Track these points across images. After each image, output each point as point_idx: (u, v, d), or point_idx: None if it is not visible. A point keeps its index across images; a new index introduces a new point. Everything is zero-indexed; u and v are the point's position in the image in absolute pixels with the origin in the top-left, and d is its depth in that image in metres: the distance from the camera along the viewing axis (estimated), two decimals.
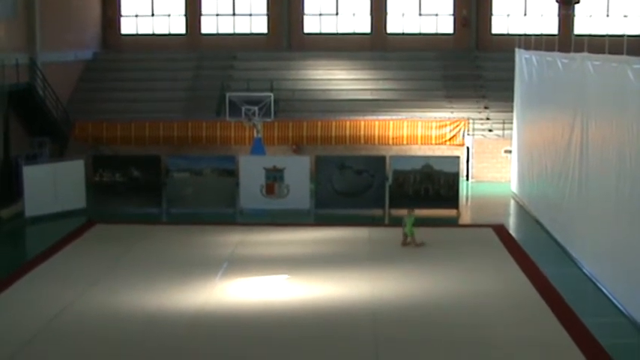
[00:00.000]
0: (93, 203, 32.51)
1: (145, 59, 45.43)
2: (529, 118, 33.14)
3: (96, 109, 41.01)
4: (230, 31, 46.65)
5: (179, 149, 38.49)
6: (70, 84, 42.36)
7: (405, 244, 26.37)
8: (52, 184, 31.52)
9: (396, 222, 30.56)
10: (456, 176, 31.93)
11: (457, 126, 39.10)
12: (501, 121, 38.84)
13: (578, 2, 41.07)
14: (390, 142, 39.06)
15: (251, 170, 32.39)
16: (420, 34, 46.11)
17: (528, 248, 26.40)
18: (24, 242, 29.75)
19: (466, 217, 32.06)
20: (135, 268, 24.32)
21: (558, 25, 44.12)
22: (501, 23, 45.74)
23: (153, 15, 46.85)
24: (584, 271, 23.67)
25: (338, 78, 43.53)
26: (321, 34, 46.46)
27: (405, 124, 39.21)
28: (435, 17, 46.05)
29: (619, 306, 20.59)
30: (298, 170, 32.21)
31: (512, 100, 36.41)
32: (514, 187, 35.27)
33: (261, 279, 23.05)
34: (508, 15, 45.64)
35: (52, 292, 21.91)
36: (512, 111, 36.52)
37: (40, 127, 36.86)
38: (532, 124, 32.49)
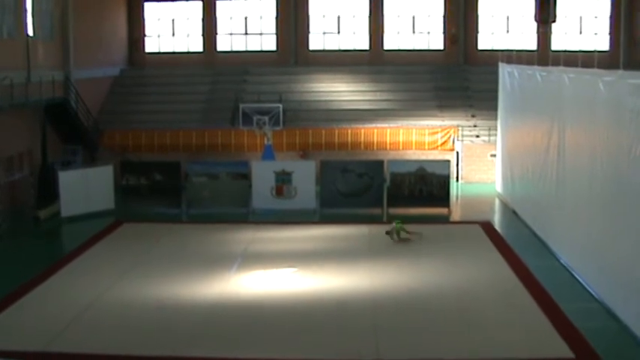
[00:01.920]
0: (120, 204, 32.61)
1: (166, 75, 45.54)
2: (512, 125, 33.16)
3: (122, 120, 41.12)
4: (243, 48, 46.73)
5: (197, 155, 38.55)
6: (99, 97, 42.48)
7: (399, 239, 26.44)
8: (85, 188, 31.61)
9: (394, 219, 30.67)
10: (447, 178, 31.97)
11: (447, 133, 39.12)
12: (487, 128, 38.84)
13: (554, 21, 41.09)
14: (388, 147, 39.07)
15: (262, 174, 32.47)
16: (413, 50, 46.12)
17: (512, 243, 26.43)
18: (60, 240, 29.83)
19: (456, 215, 32.08)
20: (157, 263, 24.42)
21: (537, 42, 44.08)
22: (486, 40, 45.73)
23: (173, 35, 46.95)
24: (562, 262, 23.72)
25: (340, 90, 43.57)
26: (324, 50, 46.51)
27: (401, 131, 39.24)
28: (427, 35, 46.06)
29: (592, 292, 20.67)
30: (305, 174, 32.27)
31: (496, 109, 36.39)
32: (499, 187, 35.28)
33: (271, 272, 23.13)
34: (492, 33, 45.65)
35: (85, 285, 22.03)
36: (496, 119, 36.51)
37: (74, 137, 36.97)
38: (514, 130, 32.51)
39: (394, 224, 26.82)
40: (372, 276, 22.56)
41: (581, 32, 44.46)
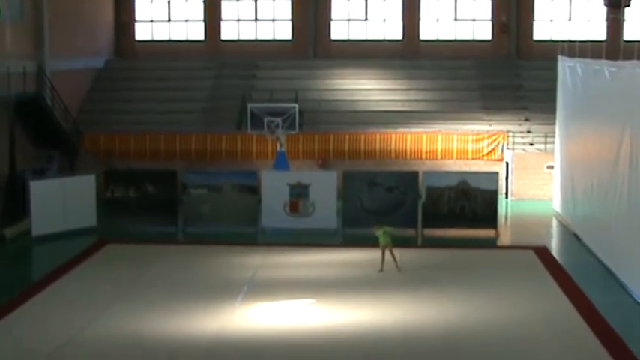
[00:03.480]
0: (104, 221, 32.65)
1: (160, 67, 45.69)
2: (573, 131, 32.99)
3: (108, 121, 41.26)
4: (252, 37, 46.86)
5: (197, 164, 38.61)
6: (80, 93, 42.67)
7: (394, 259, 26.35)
8: (61, 201, 31.69)
9: (431, 242, 30.59)
10: (494, 194, 31.83)
11: (495, 139, 39.00)
12: (543, 134, 38.69)
13: (628, 5, 40.73)
14: (424, 156, 39.02)
15: (274, 187, 32.45)
16: (455, 40, 46.10)
17: (573, 272, 26.25)
18: (30, 263, 29.87)
19: (505, 238, 31.93)
20: (148, 292, 24.35)
21: (606, 31, 43.96)
22: (543, 29, 45.63)
23: (169, 20, 47.16)
24: (634, 297, 23.48)
25: (367, 88, 43.56)
26: (349, 40, 46.54)
27: (440, 137, 39.17)
28: (471, 23, 46.02)
29: None
30: (324, 187, 32.21)
31: (554, 112, 36.28)
32: (557, 205, 35.09)
33: (284, 304, 23.03)
34: (551, 20, 45.54)
35: (60, 318, 21.98)
36: (554, 123, 36.38)
37: (48, 140, 37.09)
38: (577, 137, 32.34)
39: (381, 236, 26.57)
40: (403, 310, 22.43)
41: None
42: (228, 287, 24.60)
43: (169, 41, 47.25)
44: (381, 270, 26.08)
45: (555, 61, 36.18)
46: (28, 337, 20.63)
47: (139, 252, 29.23)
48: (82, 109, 42.29)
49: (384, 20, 46.32)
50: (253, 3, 46.60)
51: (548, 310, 22.63)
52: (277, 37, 46.78)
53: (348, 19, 46.52)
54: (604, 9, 43.10)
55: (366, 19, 46.42)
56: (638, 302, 23.10)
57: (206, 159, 39.39)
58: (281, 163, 37.52)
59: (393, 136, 39.35)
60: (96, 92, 43.96)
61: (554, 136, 36.70)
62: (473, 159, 38.95)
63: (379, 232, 26.37)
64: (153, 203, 32.63)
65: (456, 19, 46.07)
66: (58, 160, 37.40)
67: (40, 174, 34.73)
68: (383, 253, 26.24)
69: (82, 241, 30.42)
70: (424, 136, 39.23)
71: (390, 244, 26.26)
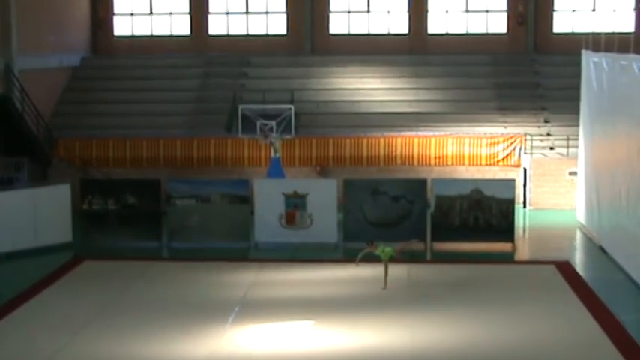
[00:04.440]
0: (80, 236, 32.61)
1: (142, 65, 45.71)
2: (599, 134, 32.97)
3: (84, 125, 41.24)
4: (243, 32, 46.88)
5: (182, 172, 38.60)
6: (53, 95, 42.66)
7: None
8: (32, 214, 31.63)
9: (441, 257, 30.56)
10: (510, 203, 31.81)
11: (512, 143, 39.01)
12: (565, 137, 38.69)
13: None
14: (432, 162, 39.04)
15: (268, 196, 32.42)
16: (467, 34, 46.15)
17: (599, 289, 26.19)
18: None
19: (523, 252, 31.93)
20: (129, 313, 24.29)
21: (635, 22, 43.99)
22: (565, 20, 45.68)
23: (151, 13, 47.22)
24: None
25: (370, 87, 43.57)
26: (349, 35, 46.59)
27: (450, 141, 39.18)
28: (485, 14, 46.09)
29: None
30: (323, 196, 32.20)
31: (577, 112, 36.28)
32: (581, 216, 35.06)
33: (279, 326, 22.98)
34: (573, 11, 45.60)
35: (31, 342, 21.89)
36: (577, 125, 36.38)
37: (18, 146, 37.02)
38: (602, 140, 32.31)
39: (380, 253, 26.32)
40: (411, 333, 22.38)
41: None
42: (218, 308, 24.52)
43: (151, 36, 47.27)
44: (385, 287, 26.01)
45: (578, 56, 36.18)
46: None
47: (118, 270, 29.14)
48: (56, 112, 42.28)
49: (388, 12, 46.38)
50: None
51: (571, 332, 22.56)
52: (270, 32, 46.81)
53: (349, 12, 46.59)
54: None
55: (369, 12, 46.48)
56: None
57: (193, 166, 39.38)
58: (275, 170, 37.51)
59: (399, 140, 39.35)
60: (71, 93, 43.94)
61: (577, 139, 36.69)
62: (487, 165, 38.94)
63: (379, 250, 26.09)
64: (134, 216, 32.58)
65: (467, 11, 46.14)
66: (29, 168, 37.24)
67: (8, 184, 34.58)
68: (386, 268, 26.12)
69: (56, 258, 30.35)
70: (433, 140, 39.23)
71: (392, 257, 26.13)
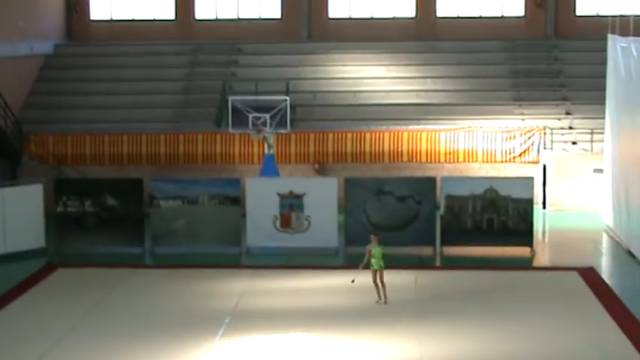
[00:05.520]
0: (54, 241, 32.65)
1: (121, 53, 45.76)
2: (627, 127, 33.00)
3: (58, 119, 41.30)
4: (233, 16, 46.95)
5: (167, 170, 38.65)
6: (23, 85, 42.72)
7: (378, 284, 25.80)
8: (0, 217, 31.66)
9: (452, 263, 30.63)
10: (528, 203, 31.87)
11: (530, 137, 39.06)
12: (589, 130, 38.77)
13: None
14: (442, 159, 39.09)
15: (261, 197, 32.50)
16: (480, 17, 46.19)
17: (627, 299, 26.24)
18: None
19: (543, 258, 32.00)
20: (108, 325, 24.30)
21: None
22: (589, 2, 45.73)
23: None
24: None
25: (373, 76, 43.64)
26: (351, 19, 46.66)
27: (462, 135, 39.23)
28: None
29: None
30: (322, 196, 32.27)
31: (603, 103, 36.36)
32: (607, 217, 35.12)
33: (273, 338, 23.03)
34: None
35: (1, 356, 21.96)
36: (603, 117, 36.45)
37: None
38: (631, 134, 32.36)
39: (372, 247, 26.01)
40: (420, 344, 22.45)
41: None
42: (207, 319, 24.57)
43: (132, 21, 47.35)
44: (379, 300, 25.83)
45: (604, 40, 36.25)
46: None
47: (96, 278, 29.19)
48: (26, 105, 42.34)
49: None
50: None
51: (596, 345, 22.54)
52: (263, 16, 46.89)
53: None
54: None
55: None
56: None
57: (179, 164, 39.44)
58: (269, 168, 37.57)
59: (405, 135, 39.41)
60: (42, 84, 44.00)
61: (602, 133, 36.79)
62: (502, 161, 39.00)
63: (376, 249, 25.63)
64: (114, 219, 32.63)
65: None
66: None
67: None
68: (375, 280, 25.74)
69: (28, 266, 30.42)
70: (443, 135, 39.30)
71: (383, 268, 25.65)
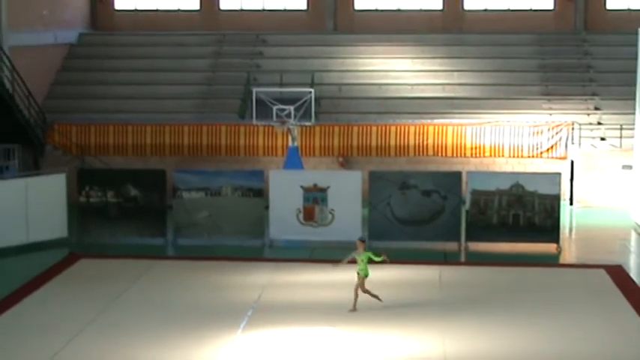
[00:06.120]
0: (76, 231, 32.82)
1: (146, 43, 45.86)
2: None
3: (81, 108, 41.43)
4: (258, 6, 46.96)
5: (190, 162, 38.72)
6: (47, 75, 42.86)
7: (365, 291, 24.76)
8: (23, 206, 31.77)
9: (477, 259, 30.57)
10: (555, 200, 31.77)
11: (558, 133, 38.96)
12: (618, 126, 38.63)
13: None
14: (468, 153, 39.04)
15: (284, 189, 32.54)
16: (508, 10, 46.07)
17: None
18: None
19: (570, 255, 31.91)
20: (129, 317, 24.37)
21: None
22: None
23: None
24: None
25: (399, 69, 43.61)
26: (377, 10, 46.63)
27: (488, 130, 39.14)
28: None
29: None
30: (346, 190, 32.28)
31: (633, 99, 36.19)
32: (636, 215, 34.99)
33: (296, 332, 23.05)
34: None
35: (21, 348, 21.99)
36: (633, 113, 36.30)
37: (8, 132, 37.23)
38: None
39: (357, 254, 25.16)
40: (444, 340, 22.42)
41: None
42: (229, 311, 24.61)
43: (157, 11, 47.45)
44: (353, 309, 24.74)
45: (634, 35, 36.10)
46: None
47: (118, 269, 29.28)
48: (50, 94, 42.48)
49: None
50: None
51: (623, 345, 22.43)
52: (289, 7, 46.87)
53: None
54: None
55: None
56: None
57: (202, 155, 39.49)
58: (293, 160, 37.59)
59: (431, 129, 39.37)
60: (66, 73, 44.14)
61: (631, 129, 36.62)
62: (529, 157, 38.93)
63: (362, 255, 24.70)
64: (136, 210, 32.74)
65: None
66: (20, 155, 37.53)
67: None
68: (357, 288, 24.67)
69: (50, 255, 30.54)
70: (469, 129, 39.23)
71: (367, 276, 24.59)
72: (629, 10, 43.96)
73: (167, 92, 42.76)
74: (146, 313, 24.77)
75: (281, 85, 40.20)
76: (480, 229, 31.83)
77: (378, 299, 24.80)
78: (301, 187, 32.42)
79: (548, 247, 31.56)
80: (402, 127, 39.50)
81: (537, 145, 38.98)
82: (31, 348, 21.94)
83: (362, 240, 25.56)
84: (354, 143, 39.46)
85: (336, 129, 39.55)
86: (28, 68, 38.83)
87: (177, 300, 25.93)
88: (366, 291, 24.62)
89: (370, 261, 24.74)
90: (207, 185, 32.84)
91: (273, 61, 44.17)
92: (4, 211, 31.29)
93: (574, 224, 35.99)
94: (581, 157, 38.20)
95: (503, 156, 39.09)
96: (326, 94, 41.25)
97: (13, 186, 32.27)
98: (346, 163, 39.11)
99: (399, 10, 46.59)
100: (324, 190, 32.36)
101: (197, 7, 47.19)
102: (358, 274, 24.65)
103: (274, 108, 37.91)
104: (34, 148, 38.66)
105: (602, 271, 28.75)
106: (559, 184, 32.23)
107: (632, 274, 28.89)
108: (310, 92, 38.46)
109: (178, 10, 47.37)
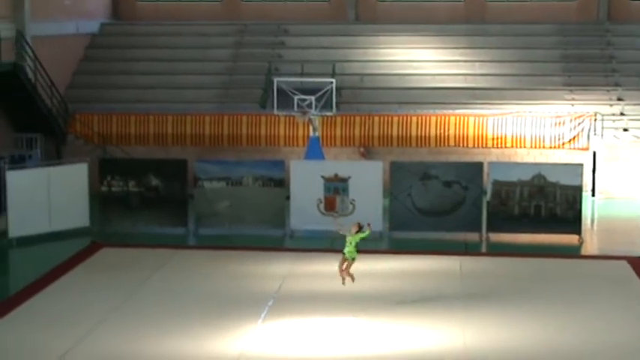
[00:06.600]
0: (98, 221, 32.97)
1: (167, 33, 45.93)
2: None
3: (103, 98, 41.56)
4: None
5: (212, 151, 38.80)
6: (69, 64, 42.98)
7: (343, 270, 24.46)
8: (45, 196, 31.93)
9: (498, 250, 30.57)
10: (577, 191, 31.74)
11: (580, 123, 38.86)
12: None
13: None
14: (490, 144, 38.99)
15: (305, 179, 32.58)
16: (530, 0, 45.92)
17: None
18: (6, 271, 30.16)
19: (591, 246, 31.88)
20: (151, 306, 24.53)
21: None
22: None
23: None
24: None
25: (421, 59, 43.56)
26: (399, 0, 46.55)
27: (510, 120, 39.09)
28: None
29: None
30: (367, 180, 32.30)
31: None
32: None
33: (317, 322, 23.13)
34: None
35: (43, 336, 22.13)
36: None
37: (30, 121, 37.39)
38: None
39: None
40: (464, 331, 22.46)
41: None
42: (250, 301, 24.70)
43: (178, 1, 47.46)
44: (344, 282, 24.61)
45: None
46: (7, 359, 20.84)
47: (140, 258, 29.42)
48: (72, 84, 42.62)
49: None
50: None
51: None
52: None
53: None
54: None
55: None
56: None
57: (223, 145, 39.56)
58: (314, 150, 37.60)
59: (452, 119, 39.34)
60: (88, 63, 44.26)
61: None
62: (551, 147, 38.84)
63: (353, 237, 24.32)
64: (158, 199, 32.88)
65: None
66: (42, 145, 37.68)
67: (20, 162, 34.96)
68: (341, 267, 24.38)
69: (71, 245, 30.70)
70: (490, 119, 39.17)
71: (354, 260, 24.39)
72: None
73: (188, 82, 42.83)
74: (167, 302, 24.89)
75: (302, 75, 40.19)
76: (501, 219, 31.83)
77: (351, 279, 24.21)
78: (322, 177, 32.48)
79: (570, 239, 31.53)
80: (424, 118, 39.49)
81: (559, 136, 38.90)
82: (54, 335, 22.08)
83: (359, 224, 24.90)
84: (375, 133, 39.47)
85: (357, 119, 39.56)
86: (50, 58, 38.98)
87: (198, 289, 26.04)
88: (341, 271, 24.36)
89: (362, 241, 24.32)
90: (229, 175, 32.92)
91: (294, 51, 44.19)
92: (27, 200, 31.45)
93: (596, 215, 35.92)
94: (604, 148, 38.12)
95: (525, 147, 39.03)
96: (347, 85, 41.26)
97: (35, 175, 32.42)
98: (367, 153, 39.11)
99: (420, 1, 46.51)
100: (345, 181, 32.40)
101: None
102: (344, 254, 24.43)
103: (295, 98, 37.92)
104: (56, 137, 38.81)
105: (624, 263, 28.70)
106: (581, 175, 32.15)
107: None
108: (331, 82, 38.44)
109: (200, 0, 47.41)
